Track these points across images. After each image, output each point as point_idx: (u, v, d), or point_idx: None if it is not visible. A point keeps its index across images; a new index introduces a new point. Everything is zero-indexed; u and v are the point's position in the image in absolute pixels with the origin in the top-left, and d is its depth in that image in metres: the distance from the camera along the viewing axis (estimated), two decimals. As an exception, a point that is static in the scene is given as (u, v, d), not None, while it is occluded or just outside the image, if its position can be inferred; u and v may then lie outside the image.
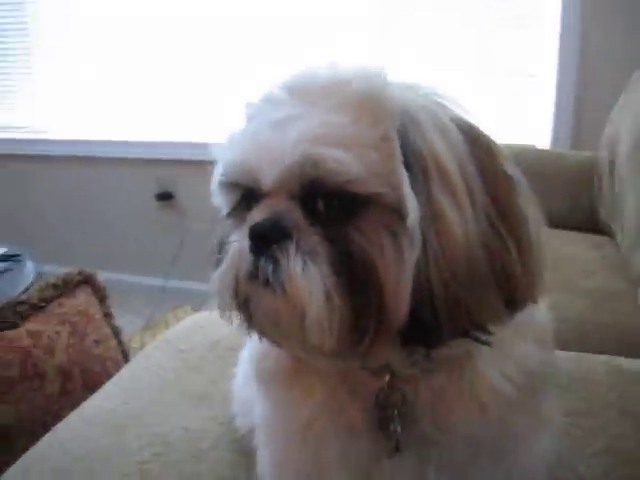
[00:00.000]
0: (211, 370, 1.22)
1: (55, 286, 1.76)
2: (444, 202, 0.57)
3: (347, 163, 0.57)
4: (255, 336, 0.66)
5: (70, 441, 1.03)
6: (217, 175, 0.67)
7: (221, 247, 0.67)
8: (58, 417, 1.16)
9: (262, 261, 0.59)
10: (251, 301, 0.62)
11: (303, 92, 0.63)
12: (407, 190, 0.57)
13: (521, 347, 0.68)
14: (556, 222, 2.11)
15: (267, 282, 0.58)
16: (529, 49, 2.65)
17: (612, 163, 1.96)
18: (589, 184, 2.16)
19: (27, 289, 1.86)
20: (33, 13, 3.47)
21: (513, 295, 0.60)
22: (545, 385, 0.73)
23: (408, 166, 0.58)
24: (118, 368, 1.39)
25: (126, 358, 1.86)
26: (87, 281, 1.85)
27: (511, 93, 2.70)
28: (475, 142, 0.61)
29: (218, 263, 0.65)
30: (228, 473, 0.96)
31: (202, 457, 0.99)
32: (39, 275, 2.01)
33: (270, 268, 0.58)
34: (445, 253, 0.56)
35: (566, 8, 2.49)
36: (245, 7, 2.99)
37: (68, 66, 3.47)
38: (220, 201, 0.70)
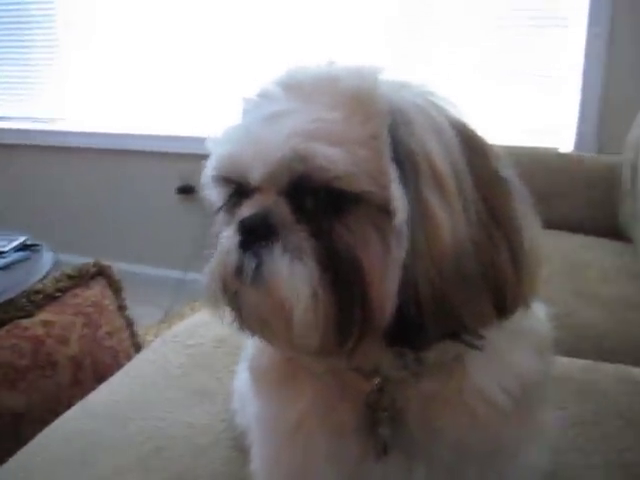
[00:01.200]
0: (217, 366, 1.22)
1: (70, 277, 1.78)
2: (433, 201, 0.56)
3: (336, 159, 0.56)
4: (246, 333, 0.66)
5: (72, 432, 1.04)
6: (209, 168, 0.67)
7: (215, 242, 0.67)
8: (69, 406, 1.17)
9: (247, 257, 0.59)
10: (239, 297, 0.61)
11: (297, 88, 0.63)
12: (395, 188, 0.56)
13: (518, 356, 0.67)
14: (576, 227, 2.07)
15: (252, 279, 0.58)
16: (556, 51, 2.61)
17: (635, 167, 1.92)
18: (612, 189, 2.12)
19: (44, 279, 1.87)
20: (60, 5, 3.49)
21: (503, 298, 0.59)
22: (540, 396, 0.72)
23: (398, 164, 0.57)
24: (129, 360, 1.40)
25: (138, 350, 1.87)
26: (102, 273, 1.87)
27: (536, 95, 2.66)
28: (468, 143, 0.60)
29: (210, 258, 0.65)
30: (224, 469, 0.96)
31: (201, 453, 0.99)
32: (57, 265, 2.02)
33: (254, 264, 0.58)
34: (433, 252, 0.55)
35: (594, 10, 2.45)
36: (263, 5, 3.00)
37: (94, 59, 3.49)
38: (212, 195, 0.70)
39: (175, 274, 3.36)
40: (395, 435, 0.66)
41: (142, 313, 2.88)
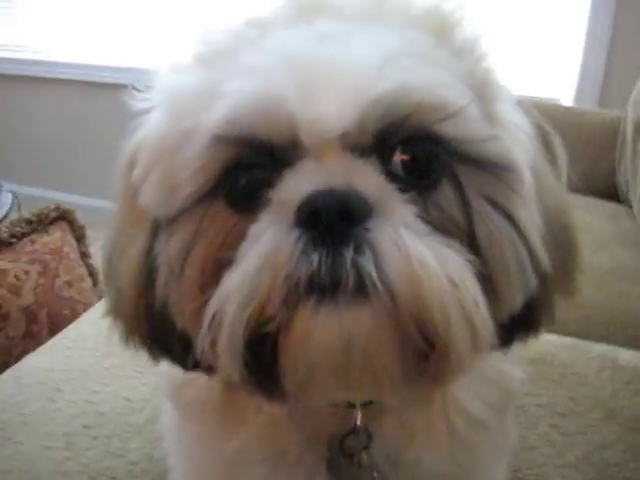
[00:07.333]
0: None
1: (28, 222, 1.66)
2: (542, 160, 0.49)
3: (453, 92, 0.42)
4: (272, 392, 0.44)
5: (-4, 404, 0.94)
6: (208, 126, 0.42)
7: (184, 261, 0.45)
8: (20, 359, 1.09)
9: (344, 253, 0.38)
10: (298, 329, 0.39)
11: (331, 7, 0.46)
12: (517, 135, 0.46)
13: (494, 363, 0.57)
14: (573, 186, 1.94)
15: (360, 285, 0.38)
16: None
17: (638, 125, 1.78)
18: (612, 147, 1.98)
19: (1, 221, 1.76)
20: None
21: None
22: (511, 402, 0.62)
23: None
24: (90, 312, 1.30)
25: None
26: (64, 217, 1.75)
27: (539, 43, 2.48)
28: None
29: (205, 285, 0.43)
30: (158, 454, 0.85)
31: (134, 433, 0.89)
32: (18, 205, 1.90)
33: (368, 259, 0.38)
34: (549, 213, 0.47)
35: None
36: None
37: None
38: (188, 180, 0.44)
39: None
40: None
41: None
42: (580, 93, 2.38)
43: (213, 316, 0.41)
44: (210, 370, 0.47)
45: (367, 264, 0.37)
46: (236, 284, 0.39)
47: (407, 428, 0.54)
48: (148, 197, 0.47)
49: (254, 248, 0.40)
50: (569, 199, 0.55)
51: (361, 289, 0.38)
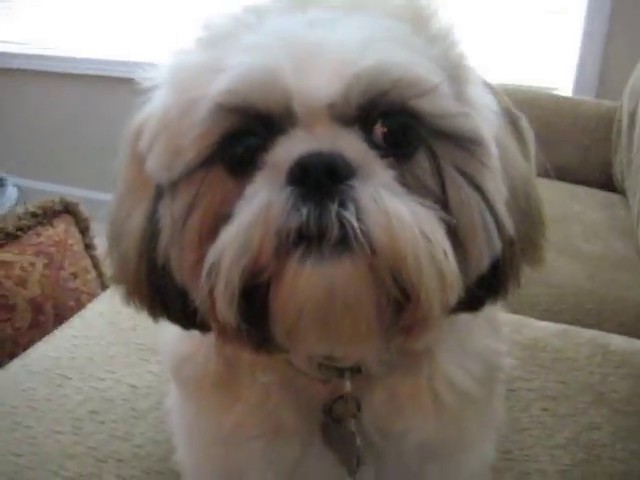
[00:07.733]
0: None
1: (34, 215, 1.69)
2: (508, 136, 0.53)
3: (427, 71, 0.46)
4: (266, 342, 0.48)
5: (5, 390, 0.98)
6: (212, 95, 0.46)
7: (184, 221, 0.48)
8: (27, 349, 1.13)
9: (330, 207, 0.42)
10: (287, 277, 0.43)
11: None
12: (484, 113, 0.50)
13: (479, 338, 0.61)
14: (565, 174, 1.94)
15: (343, 236, 0.42)
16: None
17: (633, 116, 1.80)
18: (607, 136, 1.99)
19: (6, 216, 1.79)
20: None
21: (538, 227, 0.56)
22: (497, 377, 0.65)
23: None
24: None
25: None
26: (68, 210, 1.78)
27: (537, 32, 2.50)
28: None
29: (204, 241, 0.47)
30: (162, 437, 0.89)
31: (139, 418, 0.93)
32: (23, 198, 1.93)
33: (351, 213, 0.42)
34: (514, 185, 0.51)
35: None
36: None
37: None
38: (191, 146, 0.48)
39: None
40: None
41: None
42: (578, 84, 2.39)
43: (211, 266, 0.44)
44: (206, 327, 0.51)
45: (350, 217, 0.42)
46: (232, 236, 0.44)
47: (395, 399, 0.58)
48: (153, 163, 0.51)
49: (249, 205, 0.44)
50: (534, 173, 0.58)
51: (344, 240, 0.42)
